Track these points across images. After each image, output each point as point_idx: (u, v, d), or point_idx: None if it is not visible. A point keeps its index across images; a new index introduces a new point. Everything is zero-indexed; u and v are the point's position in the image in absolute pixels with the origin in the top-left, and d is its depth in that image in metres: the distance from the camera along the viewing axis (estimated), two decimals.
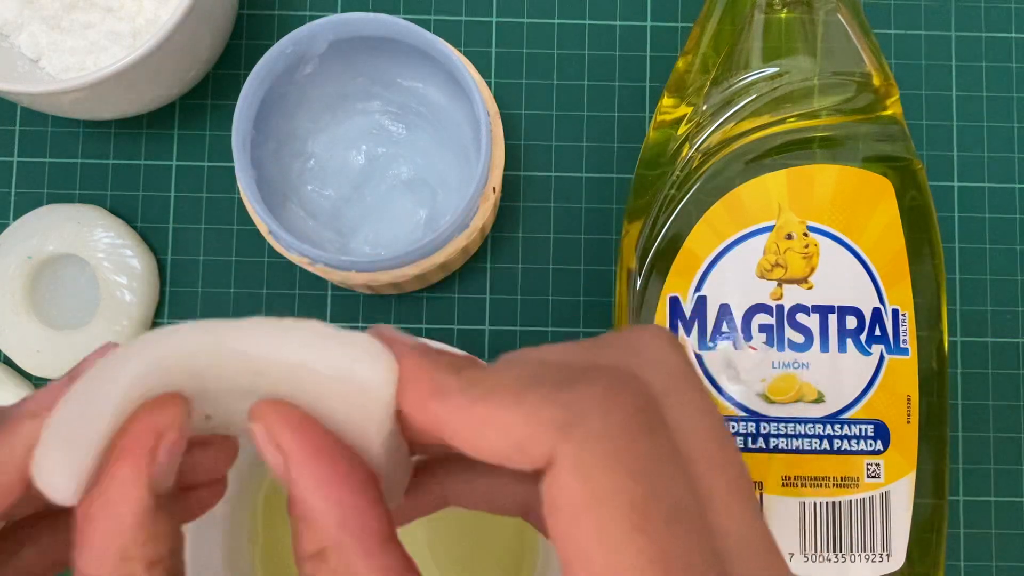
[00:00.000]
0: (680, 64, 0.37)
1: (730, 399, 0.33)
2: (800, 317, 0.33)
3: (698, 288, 0.34)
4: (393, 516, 0.19)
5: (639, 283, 0.35)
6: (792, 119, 0.34)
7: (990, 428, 0.41)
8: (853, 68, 0.35)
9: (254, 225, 0.40)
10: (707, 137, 0.35)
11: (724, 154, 0.34)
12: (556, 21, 0.42)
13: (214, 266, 0.41)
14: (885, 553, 0.33)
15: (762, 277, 0.34)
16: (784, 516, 0.33)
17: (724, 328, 0.34)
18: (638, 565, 0.16)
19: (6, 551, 0.21)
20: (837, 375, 0.33)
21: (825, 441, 0.33)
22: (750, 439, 0.33)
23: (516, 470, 0.18)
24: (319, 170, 0.40)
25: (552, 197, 0.41)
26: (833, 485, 0.33)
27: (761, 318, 0.33)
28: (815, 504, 0.33)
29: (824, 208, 0.34)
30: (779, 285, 0.34)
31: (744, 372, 0.33)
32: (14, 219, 0.41)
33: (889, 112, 0.35)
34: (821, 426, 0.33)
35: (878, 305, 0.34)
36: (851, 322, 0.33)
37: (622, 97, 0.42)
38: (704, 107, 0.35)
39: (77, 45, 0.38)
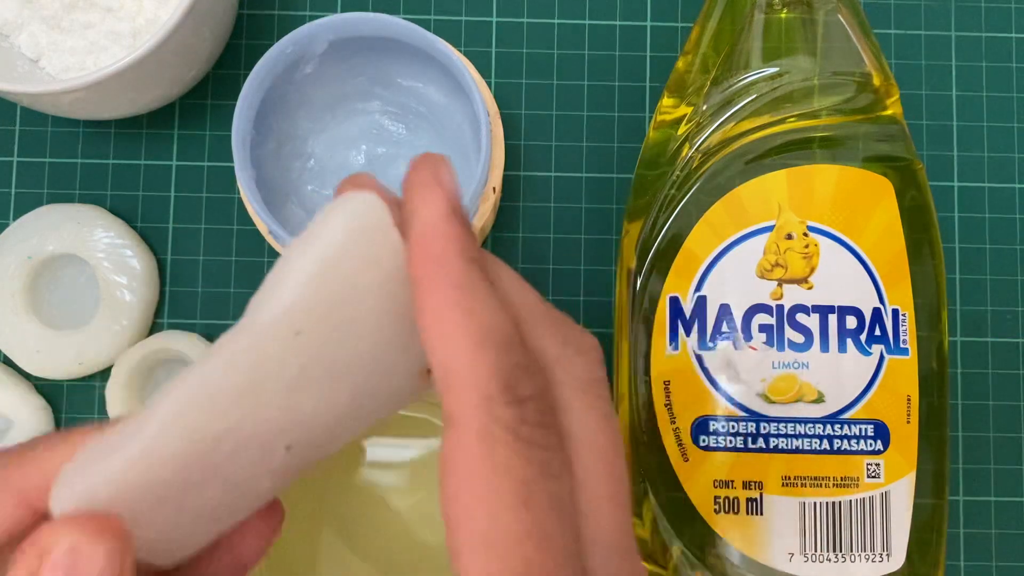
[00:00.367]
0: (680, 64, 0.37)
1: (730, 399, 0.33)
2: (800, 317, 0.33)
3: (698, 288, 0.34)
4: None
5: (639, 283, 0.35)
6: (792, 119, 0.34)
7: (990, 428, 0.41)
8: (853, 68, 0.35)
9: (254, 225, 0.40)
10: (707, 137, 0.35)
11: (724, 154, 0.34)
12: (556, 21, 0.42)
13: (214, 266, 0.41)
14: (885, 553, 0.33)
15: (762, 277, 0.34)
16: (784, 516, 0.33)
17: (724, 328, 0.34)
18: (519, 533, 0.18)
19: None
20: (837, 375, 0.33)
21: (825, 441, 0.33)
22: (750, 439, 0.33)
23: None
24: (319, 170, 0.40)
25: (552, 197, 0.41)
26: (833, 485, 0.33)
27: (761, 318, 0.33)
28: (815, 504, 0.33)
29: (824, 208, 0.34)
30: (779, 285, 0.34)
31: (744, 372, 0.33)
32: (14, 219, 0.41)
33: (889, 112, 0.35)
34: (821, 426, 0.33)
35: (878, 305, 0.34)
36: (851, 322, 0.33)
37: (622, 97, 0.42)
38: (704, 107, 0.35)
39: (77, 45, 0.38)
